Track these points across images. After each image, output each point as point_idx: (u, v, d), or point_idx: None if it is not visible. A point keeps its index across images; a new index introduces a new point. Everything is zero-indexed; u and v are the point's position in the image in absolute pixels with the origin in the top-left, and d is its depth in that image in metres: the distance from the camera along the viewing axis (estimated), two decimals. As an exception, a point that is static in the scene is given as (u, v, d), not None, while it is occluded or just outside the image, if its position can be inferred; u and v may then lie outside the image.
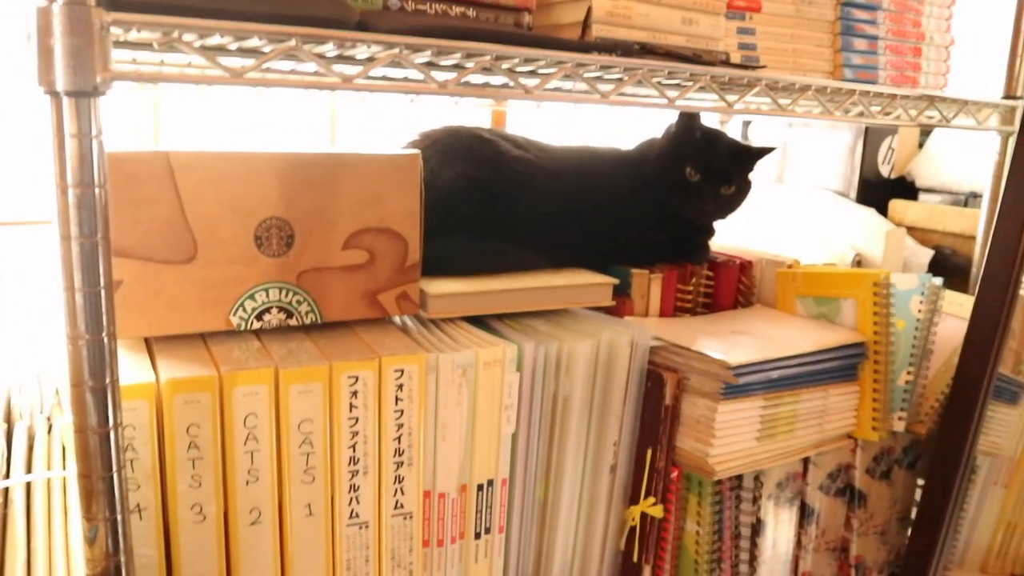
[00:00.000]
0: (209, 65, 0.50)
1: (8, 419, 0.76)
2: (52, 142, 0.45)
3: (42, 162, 0.93)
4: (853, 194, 1.24)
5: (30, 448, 0.71)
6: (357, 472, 0.66)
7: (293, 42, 0.51)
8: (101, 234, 0.47)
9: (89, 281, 0.47)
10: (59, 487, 0.64)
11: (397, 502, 0.68)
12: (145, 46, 0.53)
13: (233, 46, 0.55)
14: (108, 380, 0.49)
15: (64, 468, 0.67)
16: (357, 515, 0.67)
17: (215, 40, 0.52)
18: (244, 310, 0.68)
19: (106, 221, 0.47)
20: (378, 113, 1.13)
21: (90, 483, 0.49)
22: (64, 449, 0.70)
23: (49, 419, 0.75)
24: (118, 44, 0.52)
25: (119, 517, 0.50)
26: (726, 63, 0.79)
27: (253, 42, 0.52)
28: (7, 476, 0.65)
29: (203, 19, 0.48)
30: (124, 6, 0.47)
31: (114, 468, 0.49)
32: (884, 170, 1.26)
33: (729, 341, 0.82)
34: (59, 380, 0.86)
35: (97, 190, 0.46)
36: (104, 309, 0.48)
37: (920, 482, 1.00)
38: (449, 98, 1.10)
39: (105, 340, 0.48)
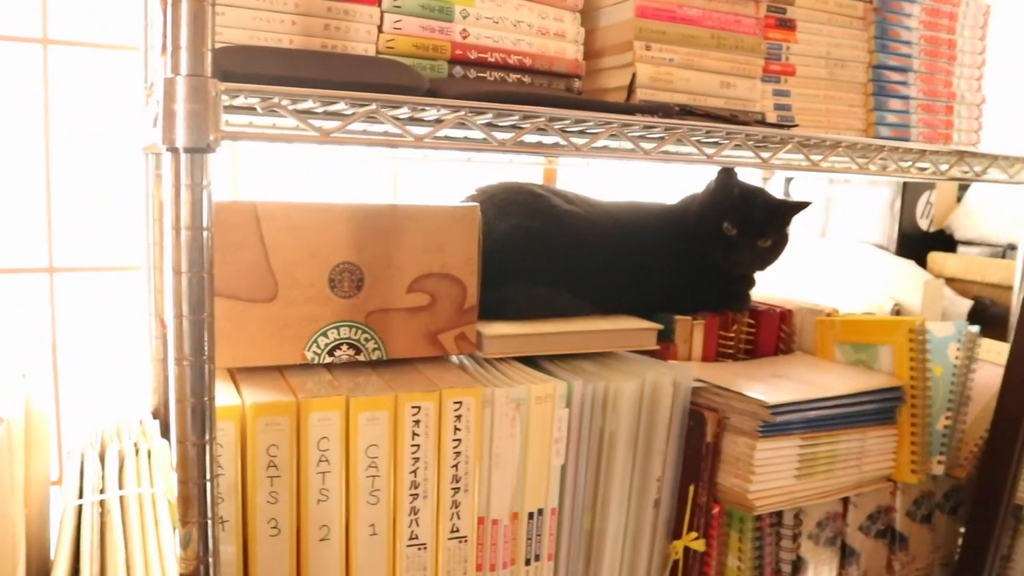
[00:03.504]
0: (301, 126, 0.58)
1: (101, 443, 0.83)
2: (170, 191, 0.53)
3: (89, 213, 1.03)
4: (893, 247, 1.28)
5: (120, 468, 0.78)
6: (417, 496, 0.72)
7: (374, 106, 0.58)
8: (207, 270, 0.54)
9: (195, 310, 0.54)
10: (149, 502, 0.70)
11: (453, 526, 0.73)
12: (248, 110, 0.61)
13: (320, 109, 0.63)
14: (206, 398, 0.55)
15: (152, 486, 0.73)
16: (416, 536, 0.72)
17: (306, 104, 0.60)
18: (318, 346, 0.75)
19: (211, 259, 0.54)
20: (437, 169, 1.21)
21: (187, 489, 0.55)
22: (151, 469, 0.77)
23: (136, 444, 0.83)
24: (225, 109, 0.61)
25: (209, 522, 0.56)
26: (761, 123, 0.85)
27: (339, 106, 0.60)
28: (103, 491, 0.72)
29: (299, 87, 0.56)
30: (234, 77, 0.55)
31: (207, 476, 0.56)
32: (923, 224, 1.29)
33: (768, 383, 0.87)
34: (142, 411, 0.94)
35: (205, 233, 0.54)
36: (206, 336, 0.55)
37: (962, 529, 1.01)
38: (504, 156, 1.17)
39: (205, 362, 0.55)
